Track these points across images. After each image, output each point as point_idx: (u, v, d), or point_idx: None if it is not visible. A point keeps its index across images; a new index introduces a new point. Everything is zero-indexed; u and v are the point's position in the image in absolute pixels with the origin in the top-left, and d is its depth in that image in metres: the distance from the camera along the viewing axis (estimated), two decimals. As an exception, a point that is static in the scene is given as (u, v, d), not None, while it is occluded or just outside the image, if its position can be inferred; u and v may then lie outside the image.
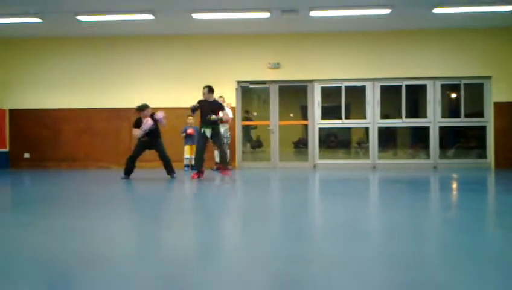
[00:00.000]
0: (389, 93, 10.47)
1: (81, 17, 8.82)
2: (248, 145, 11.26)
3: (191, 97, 10.30)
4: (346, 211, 4.05)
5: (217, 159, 9.70)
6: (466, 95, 10.20)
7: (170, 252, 2.55)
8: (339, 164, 10.48)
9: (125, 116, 10.11)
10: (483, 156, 10.26)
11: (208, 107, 7.28)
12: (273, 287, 1.90)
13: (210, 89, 7.42)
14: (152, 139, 7.35)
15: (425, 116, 10.29)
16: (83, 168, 10.27)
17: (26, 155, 10.66)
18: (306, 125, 10.63)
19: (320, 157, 10.45)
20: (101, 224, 3.51)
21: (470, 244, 2.65)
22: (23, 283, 1.97)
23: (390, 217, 3.68)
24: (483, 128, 10.23)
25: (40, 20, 9.03)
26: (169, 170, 7.53)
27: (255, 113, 11.55)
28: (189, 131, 9.52)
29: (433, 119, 10.22)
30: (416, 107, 10.74)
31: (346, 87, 10.34)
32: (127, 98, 10.26)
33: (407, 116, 10.28)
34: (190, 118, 9.63)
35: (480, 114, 10.23)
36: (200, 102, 7.34)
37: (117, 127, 10.36)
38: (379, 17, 8.98)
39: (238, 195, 5.75)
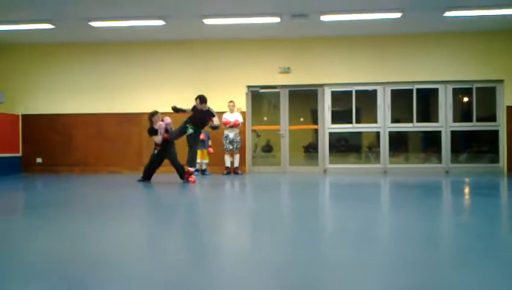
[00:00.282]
0: (400, 98, 10.41)
1: (93, 23, 8.91)
2: (257, 150, 11.26)
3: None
4: (358, 216, 4.02)
5: (228, 164, 9.73)
6: (478, 99, 10.11)
7: (180, 255, 2.55)
8: (350, 168, 10.44)
9: (136, 121, 10.19)
10: (495, 160, 10.14)
11: (201, 116, 7.44)
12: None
13: (202, 100, 7.48)
14: (165, 148, 7.55)
15: (436, 121, 10.21)
16: (94, 172, 10.34)
17: (39, 160, 10.76)
18: (316, 130, 10.59)
19: (331, 162, 10.41)
20: (112, 227, 3.53)
21: (484, 249, 2.61)
22: (35, 285, 1.98)
23: (403, 223, 3.65)
24: (495, 133, 10.12)
25: (52, 26, 9.14)
26: (182, 175, 7.64)
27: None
28: (201, 136, 9.53)
29: (445, 123, 10.14)
30: (428, 111, 10.66)
31: (357, 91, 10.31)
32: (137, 103, 10.34)
33: (418, 121, 10.20)
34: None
35: (492, 118, 10.12)
36: (194, 109, 7.52)
37: (128, 131, 10.43)
38: (390, 21, 8.94)
39: (249, 200, 5.75)
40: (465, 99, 10.53)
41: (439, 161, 10.22)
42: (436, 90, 10.23)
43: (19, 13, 8.43)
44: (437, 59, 10.11)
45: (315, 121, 10.62)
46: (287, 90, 10.59)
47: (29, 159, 10.74)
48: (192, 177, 7.49)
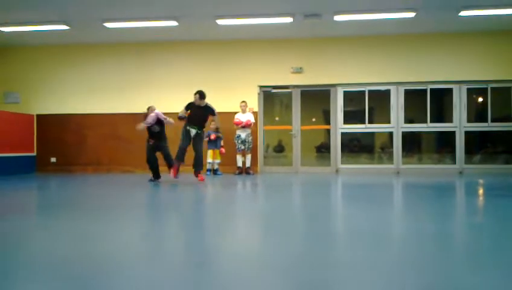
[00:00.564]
0: (414, 98, 10.32)
1: (107, 24, 8.99)
2: (269, 150, 11.25)
3: (214, 102, 10.38)
4: (371, 217, 3.99)
5: (239, 164, 9.75)
6: (493, 99, 9.98)
7: (191, 255, 2.56)
8: (362, 168, 10.39)
9: (149, 121, 10.24)
10: (510, 161, 10.02)
11: (200, 112, 7.43)
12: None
13: (201, 95, 7.48)
14: (158, 142, 7.75)
15: (450, 121, 10.10)
16: (108, 172, 10.43)
17: (53, 159, 10.89)
18: (328, 130, 10.56)
19: (343, 162, 10.37)
20: (123, 228, 3.55)
21: (497, 250, 2.58)
22: (46, 284, 2.01)
23: (416, 224, 3.62)
24: (511, 133, 9.99)
25: (67, 27, 9.24)
26: (170, 166, 7.76)
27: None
28: (212, 136, 9.57)
29: (459, 123, 10.03)
30: (442, 112, 10.55)
31: (370, 91, 10.25)
32: (150, 103, 10.36)
33: (432, 121, 10.11)
34: (213, 123, 9.70)
35: (508, 118, 9.99)
36: (191, 105, 7.47)
37: (141, 131, 10.44)
38: (403, 20, 8.88)
39: (261, 200, 5.75)
40: (480, 99, 10.41)
41: (453, 161, 10.12)
42: (450, 90, 10.13)
43: (33, 14, 8.55)
44: (451, 59, 10.01)
45: (327, 121, 10.58)
46: (299, 91, 10.57)
47: (44, 158, 10.88)
48: (201, 177, 7.49)
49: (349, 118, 10.36)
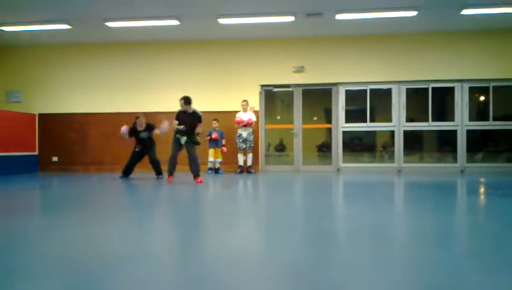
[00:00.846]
0: (415, 96, 10.32)
1: (109, 24, 9.00)
2: (270, 149, 11.25)
3: (216, 101, 10.43)
4: (374, 216, 4.00)
5: (241, 163, 9.76)
6: (495, 98, 9.98)
7: (194, 255, 2.57)
8: (364, 167, 10.39)
9: (151, 120, 10.20)
10: (512, 160, 10.03)
11: (188, 119, 7.20)
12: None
13: (186, 101, 7.26)
14: (147, 147, 8.30)
15: (452, 120, 10.10)
16: (110, 171, 10.44)
17: (55, 159, 10.91)
18: (330, 129, 10.56)
19: (344, 161, 10.37)
20: (126, 227, 3.57)
21: (500, 250, 2.59)
22: (54, 283, 2.02)
23: (418, 223, 3.62)
24: (512, 132, 9.99)
25: (69, 27, 9.25)
26: (158, 172, 8.37)
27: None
28: (214, 135, 9.59)
29: (461, 122, 10.03)
30: (443, 110, 10.55)
31: (371, 90, 10.25)
32: (153, 103, 10.43)
33: (433, 120, 10.11)
34: (214, 122, 9.72)
35: (509, 117, 9.98)
36: (179, 113, 7.32)
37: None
38: (405, 19, 8.87)
39: (262, 199, 5.76)
40: (482, 98, 10.40)
41: (455, 160, 10.12)
42: (452, 89, 10.12)
43: (36, 14, 8.56)
44: (453, 57, 10.00)
45: (329, 120, 10.59)
46: (300, 89, 10.57)
47: (46, 158, 10.90)
48: (199, 179, 7.31)
49: (350, 116, 10.36)
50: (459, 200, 5.47)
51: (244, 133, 9.68)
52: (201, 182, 7.28)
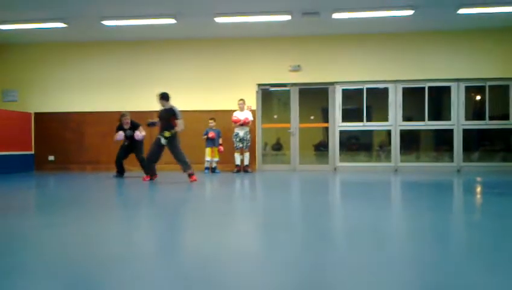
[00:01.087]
0: (412, 96, 10.33)
1: (105, 22, 8.98)
2: (267, 148, 11.25)
3: (212, 100, 10.42)
4: (371, 215, 4.00)
5: (238, 162, 9.75)
6: (491, 97, 10.00)
7: (192, 254, 2.56)
8: (360, 166, 10.40)
9: (147, 119, 10.22)
10: (508, 159, 10.05)
11: (164, 116, 7.26)
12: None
13: (162, 97, 7.34)
14: (134, 144, 8.43)
15: (448, 119, 10.12)
16: (107, 170, 10.41)
17: (51, 158, 10.87)
18: (327, 128, 10.57)
19: (341, 160, 10.38)
20: (122, 226, 3.55)
21: (497, 248, 2.59)
22: (51, 282, 2.01)
23: (416, 222, 3.63)
24: (508, 131, 10.02)
25: (65, 25, 9.22)
26: (145, 171, 7.95)
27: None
28: (211, 134, 9.58)
29: (457, 121, 10.05)
30: (440, 110, 10.57)
31: (368, 89, 10.26)
32: (148, 102, 10.35)
33: (430, 119, 10.13)
34: (211, 121, 9.71)
35: (505, 116, 10.01)
36: (160, 111, 7.44)
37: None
38: (401, 18, 8.88)
39: (259, 198, 5.75)
40: (478, 97, 10.43)
41: (451, 159, 10.14)
42: (448, 88, 10.15)
43: (32, 12, 8.52)
44: (449, 57, 10.02)
45: (325, 119, 10.59)
46: (297, 88, 10.57)
47: (42, 157, 10.86)
48: (193, 177, 7.36)
49: (347, 116, 10.37)
50: (455, 199, 5.49)
51: (241, 132, 9.68)
52: (195, 180, 7.27)
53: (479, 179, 7.88)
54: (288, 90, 10.62)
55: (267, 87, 10.62)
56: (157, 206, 4.88)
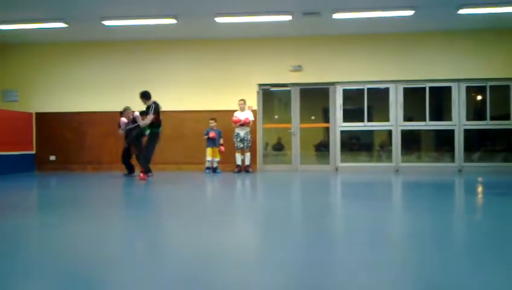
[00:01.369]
0: (413, 96, 10.32)
1: (106, 22, 8.98)
2: (268, 148, 11.24)
3: (213, 100, 10.42)
4: (372, 215, 4.00)
5: (239, 162, 9.75)
6: (492, 97, 9.99)
7: (191, 253, 2.56)
8: (361, 167, 10.39)
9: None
10: (509, 159, 10.03)
11: (144, 113, 7.90)
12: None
13: (141, 95, 7.89)
14: (131, 143, 8.64)
15: (449, 119, 10.11)
16: (108, 170, 10.42)
17: (52, 158, 10.87)
18: (327, 128, 10.56)
19: (342, 161, 10.37)
20: (120, 226, 3.56)
21: (498, 249, 2.59)
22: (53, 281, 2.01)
23: (417, 222, 3.62)
24: (509, 131, 10.00)
25: (65, 25, 9.23)
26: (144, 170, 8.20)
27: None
28: (211, 134, 9.58)
29: (458, 121, 10.03)
30: (441, 110, 10.55)
31: (369, 89, 10.25)
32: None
33: (431, 119, 10.11)
34: (212, 121, 9.71)
35: (506, 117, 9.99)
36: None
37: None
38: (402, 18, 8.87)
39: (260, 198, 5.75)
40: (479, 97, 10.41)
41: (452, 159, 10.13)
42: (449, 89, 10.13)
43: (32, 12, 8.53)
44: (450, 57, 10.01)
45: (326, 119, 10.58)
46: (298, 89, 10.56)
47: (43, 157, 10.86)
48: (143, 176, 7.68)
49: (348, 116, 10.36)
50: (456, 200, 5.48)
51: (242, 133, 9.67)
52: (143, 179, 7.58)
53: (480, 179, 7.86)
54: (289, 91, 10.61)
55: (267, 87, 10.61)
56: (159, 207, 4.88)
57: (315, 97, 10.96)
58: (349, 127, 10.39)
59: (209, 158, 9.67)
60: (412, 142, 10.67)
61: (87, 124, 10.73)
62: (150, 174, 8.21)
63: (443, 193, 5.90)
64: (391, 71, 10.13)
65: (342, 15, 8.57)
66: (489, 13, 8.55)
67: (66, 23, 9.11)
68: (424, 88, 10.10)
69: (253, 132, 10.03)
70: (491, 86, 9.99)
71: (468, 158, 10.11)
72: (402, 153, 10.23)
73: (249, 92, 10.29)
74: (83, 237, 3.05)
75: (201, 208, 4.71)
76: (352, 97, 10.44)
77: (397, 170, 10.06)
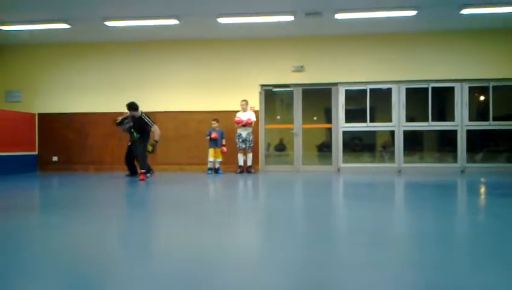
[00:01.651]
0: (415, 96, 10.30)
1: (109, 23, 9.00)
2: (270, 149, 11.24)
3: (215, 101, 10.42)
4: (375, 216, 3.99)
5: (241, 163, 9.75)
6: (495, 98, 9.96)
7: (196, 254, 2.56)
8: (364, 167, 10.37)
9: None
10: (512, 160, 10.01)
11: (137, 121, 7.80)
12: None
13: (128, 107, 7.78)
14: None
15: (452, 120, 10.08)
16: (110, 171, 10.44)
17: (54, 158, 10.90)
18: (330, 129, 10.55)
19: (345, 161, 10.36)
20: (119, 226, 3.55)
21: (500, 250, 2.57)
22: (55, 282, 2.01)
23: (420, 223, 3.61)
24: (513, 132, 9.98)
25: (68, 26, 9.25)
26: (137, 170, 8.40)
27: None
28: (213, 135, 9.58)
29: (461, 122, 10.01)
30: (443, 110, 10.53)
31: (371, 90, 10.23)
32: (152, 102, 10.41)
33: (433, 120, 10.09)
34: (214, 122, 9.71)
35: (509, 117, 9.96)
36: (132, 117, 7.88)
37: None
38: (405, 18, 8.86)
39: (262, 198, 5.74)
40: (482, 97, 10.38)
41: (455, 160, 10.10)
42: (452, 89, 10.11)
43: (35, 13, 8.55)
44: (453, 57, 9.99)
45: (329, 119, 10.57)
46: (300, 89, 10.56)
47: (46, 157, 10.89)
48: (143, 176, 7.73)
49: (350, 116, 10.35)
50: (459, 201, 5.46)
51: (244, 133, 9.67)
52: (143, 179, 7.59)
53: (483, 180, 7.84)
54: (291, 91, 10.61)
55: (270, 88, 10.61)
56: (159, 207, 4.88)
57: (317, 98, 10.95)
58: (352, 127, 10.38)
59: (211, 159, 9.67)
60: (414, 142, 10.65)
61: (90, 124, 10.75)
62: (148, 174, 8.29)
63: (445, 194, 5.88)
64: (393, 71, 10.12)
65: (344, 15, 8.57)
66: (492, 13, 8.53)
67: (69, 24, 9.13)
68: (427, 88, 10.08)
69: (255, 132, 10.04)
70: (494, 87, 9.97)
71: (470, 159, 10.09)
72: (404, 154, 10.21)
73: (251, 92, 10.30)
74: (84, 237, 3.05)
75: (202, 208, 4.71)
76: (354, 98, 10.43)
77: (399, 171, 10.04)
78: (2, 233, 3.26)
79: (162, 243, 2.96)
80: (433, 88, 10.09)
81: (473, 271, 2.16)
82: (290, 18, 8.76)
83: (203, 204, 5.14)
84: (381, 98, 10.37)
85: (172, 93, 10.52)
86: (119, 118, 8.11)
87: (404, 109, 10.15)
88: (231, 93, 10.31)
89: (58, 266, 2.31)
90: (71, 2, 7.99)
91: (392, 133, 10.28)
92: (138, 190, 6.52)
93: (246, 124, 9.62)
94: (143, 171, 7.75)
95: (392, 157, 10.32)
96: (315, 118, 11.33)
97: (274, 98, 11.18)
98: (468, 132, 10.03)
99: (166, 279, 2.04)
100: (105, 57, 10.84)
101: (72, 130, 10.82)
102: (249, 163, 9.77)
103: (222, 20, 8.84)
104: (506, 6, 8.19)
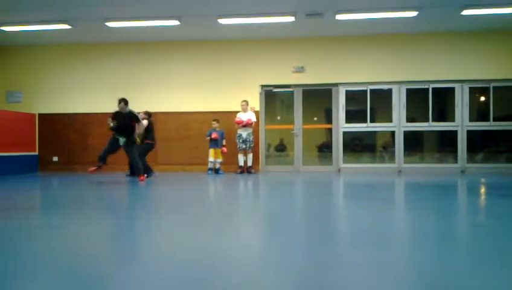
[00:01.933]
0: (416, 97, 10.31)
1: (109, 24, 9.01)
2: (271, 149, 11.24)
3: (216, 101, 10.43)
4: (375, 217, 3.99)
5: (241, 163, 9.75)
6: (495, 98, 9.96)
7: (194, 255, 2.56)
8: (364, 168, 10.38)
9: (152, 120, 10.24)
10: (512, 160, 10.01)
11: (124, 120, 7.69)
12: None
13: (126, 102, 7.77)
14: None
15: (452, 120, 10.09)
16: (110, 171, 10.43)
17: (55, 159, 10.91)
18: (330, 129, 10.55)
19: (345, 162, 10.36)
20: (123, 226, 3.56)
21: (500, 250, 2.58)
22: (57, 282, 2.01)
23: (420, 223, 3.61)
24: (513, 132, 9.98)
25: (69, 27, 9.26)
26: (133, 171, 8.39)
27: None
28: (214, 135, 9.59)
29: (461, 123, 10.01)
30: (444, 111, 10.54)
31: (372, 90, 10.24)
32: (152, 103, 10.42)
33: (434, 120, 10.09)
34: (214, 122, 9.72)
35: (510, 118, 9.97)
36: (116, 114, 7.79)
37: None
38: (405, 19, 8.86)
39: (262, 199, 5.74)
40: (482, 98, 10.39)
41: (455, 160, 10.10)
42: (452, 89, 10.12)
43: (36, 14, 8.57)
44: (453, 58, 10.00)
45: (329, 120, 10.58)
46: (300, 90, 10.57)
47: (46, 157, 10.91)
48: (143, 177, 7.72)
49: (351, 117, 10.35)
50: (460, 201, 5.46)
51: (244, 134, 9.68)
52: (143, 180, 7.58)
53: (483, 180, 7.84)
54: (292, 92, 10.62)
55: (270, 88, 10.62)
56: (160, 207, 4.88)
57: (318, 98, 10.96)
58: (352, 128, 10.39)
59: (211, 159, 9.68)
60: (414, 143, 10.65)
61: (90, 125, 10.76)
62: (147, 175, 8.28)
63: (446, 194, 5.88)
64: (394, 72, 10.13)
65: (345, 16, 8.58)
66: (493, 14, 8.54)
67: (69, 24, 9.15)
68: (427, 89, 10.09)
69: (255, 133, 10.04)
70: (494, 87, 9.97)
71: (471, 159, 10.09)
72: (405, 154, 10.22)
73: (251, 93, 10.31)
74: (84, 238, 3.05)
75: (202, 208, 4.71)
76: (354, 98, 10.44)
77: (400, 171, 10.05)
78: (3, 233, 3.27)
79: (163, 243, 2.97)
80: (433, 88, 10.09)
81: (473, 271, 2.16)
82: (291, 19, 8.77)
83: (203, 204, 5.14)
84: (381, 99, 10.37)
85: (173, 93, 10.53)
86: (110, 123, 7.96)
87: (405, 109, 10.16)
88: (232, 93, 10.32)
89: (59, 267, 2.32)
90: (72, 3, 8.01)
91: (393, 133, 10.28)
92: (138, 190, 6.53)
93: (246, 125, 9.63)
94: (143, 177, 7.70)
95: (392, 158, 10.33)
96: (315, 119, 11.34)
97: (274, 99, 11.19)
98: (469, 132, 10.03)
99: (167, 279, 2.04)
100: (106, 58, 10.85)
101: (73, 131, 10.83)
102: (249, 163, 9.78)
103: (223, 21, 8.85)
104: (506, 7, 8.20)
